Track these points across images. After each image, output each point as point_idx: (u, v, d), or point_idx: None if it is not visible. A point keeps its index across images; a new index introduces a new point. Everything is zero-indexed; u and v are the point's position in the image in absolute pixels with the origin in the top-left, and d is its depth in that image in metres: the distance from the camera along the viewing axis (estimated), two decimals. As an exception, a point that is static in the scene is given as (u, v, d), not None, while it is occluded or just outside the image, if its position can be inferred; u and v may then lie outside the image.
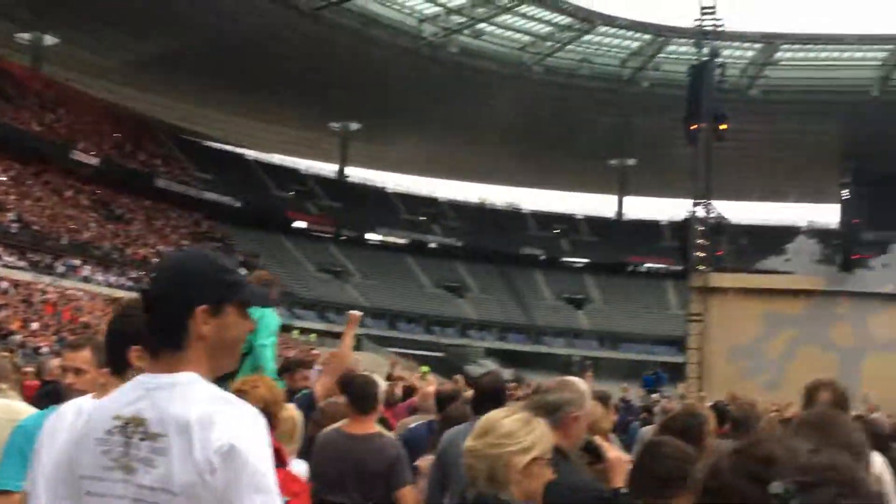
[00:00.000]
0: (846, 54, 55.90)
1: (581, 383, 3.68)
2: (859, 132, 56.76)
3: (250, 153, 66.75)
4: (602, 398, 5.63)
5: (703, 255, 37.76)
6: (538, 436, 2.67)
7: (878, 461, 4.39)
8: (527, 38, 57.22)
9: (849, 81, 56.61)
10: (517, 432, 2.65)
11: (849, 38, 54.17)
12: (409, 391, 10.05)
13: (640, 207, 74.44)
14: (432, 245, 69.11)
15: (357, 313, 6.11)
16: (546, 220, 72.31)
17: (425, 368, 19.00)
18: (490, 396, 4.71)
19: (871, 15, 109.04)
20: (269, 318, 5.96)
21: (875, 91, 55.61)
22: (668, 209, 70.89)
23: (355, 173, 71.60)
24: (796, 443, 1.09)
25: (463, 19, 54.86)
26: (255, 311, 2.17)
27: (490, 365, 57.12)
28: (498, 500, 2.57)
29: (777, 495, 0.99)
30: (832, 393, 4.11)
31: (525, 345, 63.28)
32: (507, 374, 46.89)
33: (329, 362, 6.31)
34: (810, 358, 37.03)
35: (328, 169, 70.91)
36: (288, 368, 6.84)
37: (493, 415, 2.78)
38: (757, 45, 56.03)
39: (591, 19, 55.03)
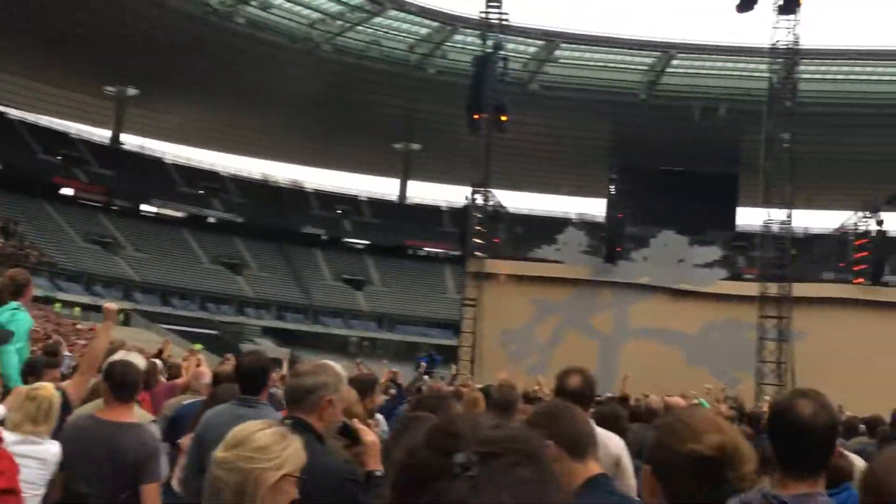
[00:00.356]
0: (618, 57, 59.18)
1: (336, 367, 3.67)
2: (627, 132, 60.41)
3: (14, 112, 62.01)
4: (366, 382, 5.65)
5: (480, 241, 38.85)
6: (291, 452, 2.57)
7: (617, 443, 4.67)
8: (317, 14, 56.54)
9: (620, 83, 60.00)
10: (272, 447, 2.55)
11: (622, 41, 57.37)
12: (174, 371, 9.67)
13: (423, 192, 75.70)
14: (211, 220, 67.19)
15: (112, 306, 5.76)
16: (329, 199, 72.03)
17: (198, 346, 18.40)
18: (251, 376, 4.59)
19: (644, 20, 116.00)
20: (20, 322, 5.59)
21: (642, 94, 59.28)
22: (449, 195, 72.66)
23: (131, 141, 68.31)
24: (483, 420, 1.17)
25: (250, -11, 53.43)
26: (4, 313, 2.00)
27: (266, 344, 56.37)
28: None
29: (460, 465, 1.06)
30: (581, 378, 4.32)
31: (303, 324, 62.91)
32: (283, 353, 46.38)
33: (81, 362, 5.94)
34: (574, 343, 39.13)
35: (101, 135, 67.20)
36: (34, 370, 6.18)
37: (248, 426, 2.65)
38: (539, 42, 58.20)
39: (381, 2, 55.15)
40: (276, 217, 66.43)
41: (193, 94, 60.10)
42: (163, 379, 9.12)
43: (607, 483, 2.85)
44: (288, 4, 55.47)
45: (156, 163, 67.89)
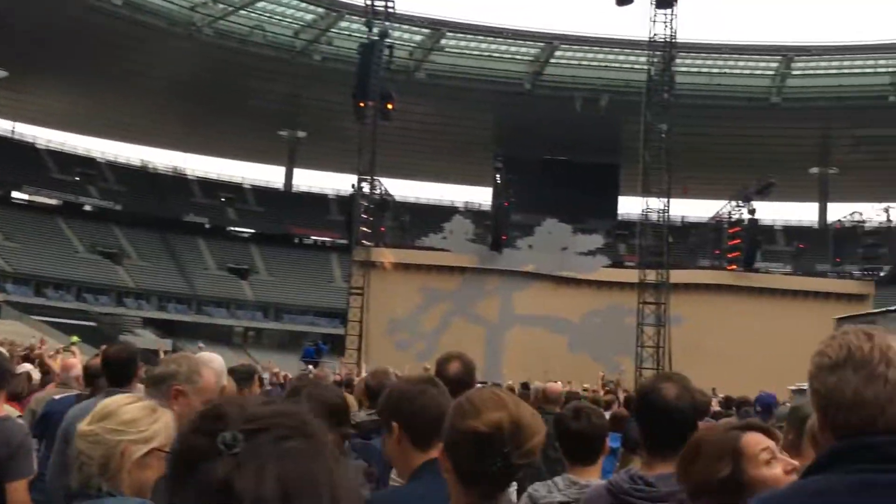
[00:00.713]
0: (504, 47, 59.83)
1: (193, 358, 3.64)
2: (512, 121, 61.19)
3: None
4: (245, 373, 5.54)
5: (366, 229, 38.73)
6: (161, 427, 2.51)
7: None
8: (197, -2, 55.16)
9: (505, 73, 60.71)
10: (140, 420, 2.49)
11: (507, 31, 58.01)
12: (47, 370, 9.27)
13: (309, 180, 74.88)
14: (87, 208, 64.88)
15: None
16: (212, 187, 70.51)
17: (75, 339, 17.71)
18: (118, 367, 4.45)
19: (529, 11, 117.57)
20: None
21: (527, 84, 60.10)
22: (336, 183, 72.14)
23: (0, 125, 65.29)
24: (252, 400, 1.18)
25: (128, -30, 51.67)
26: None
27: (147, 335, 54.92)
28: (102, 494, 2.40)
29: (225, 444, 1.07)
30: (460, 363, 4.35)
31: (186, 315, 61.51)
32: (163, 344, 45.25)
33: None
34: (461, 330, 39.51)
35: (-34, 119, 64.08)
36: None
37: (117, 399, 2.59)
38: (425, 30, 58.29)
39: (265, -14, 54.24)
40: (156, 205, 64.60)
41: (68, 76, 57.80)
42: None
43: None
44: (168, -14, 53.98)
45: (27, 148, 65.11)
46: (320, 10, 56.86)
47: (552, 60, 59.91)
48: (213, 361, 4.10)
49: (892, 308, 24.53)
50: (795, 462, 2.31)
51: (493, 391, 2.29)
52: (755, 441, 2.26)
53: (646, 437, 2.88)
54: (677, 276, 36.87)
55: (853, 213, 45.69)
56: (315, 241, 69.46)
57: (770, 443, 2.27)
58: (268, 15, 57.42)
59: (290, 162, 72.78)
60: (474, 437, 2.11)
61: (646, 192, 33.21)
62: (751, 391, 12.96)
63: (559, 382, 20.01)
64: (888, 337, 1.82)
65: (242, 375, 5.43)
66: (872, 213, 43.97)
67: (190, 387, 3.49)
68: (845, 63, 58.42)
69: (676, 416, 2.79)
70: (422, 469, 2.65)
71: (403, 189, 65.84)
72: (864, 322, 26.03)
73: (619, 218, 65.83)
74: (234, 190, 71.08)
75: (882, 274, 42.57)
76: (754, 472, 2.20)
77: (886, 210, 42.99)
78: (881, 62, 57.87)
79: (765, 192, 42.95)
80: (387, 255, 40.32)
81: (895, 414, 1.73)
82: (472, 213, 53.91)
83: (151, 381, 3.53)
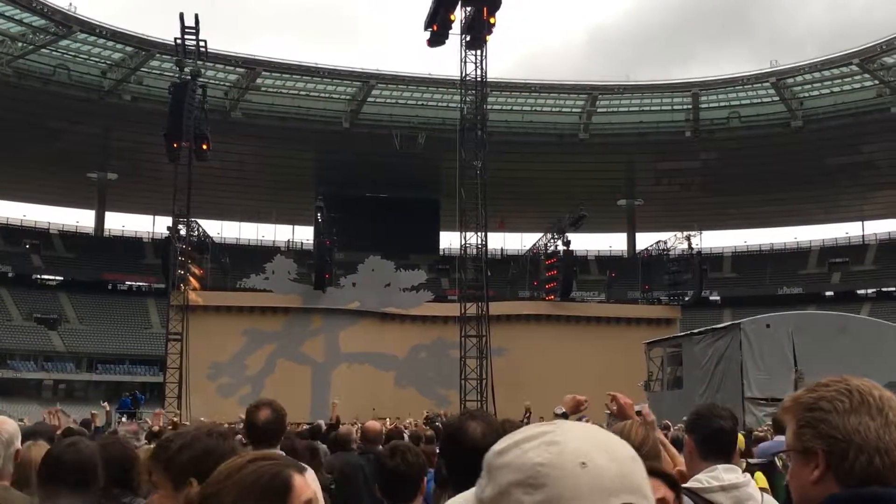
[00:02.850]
0: (321, 86, 59.93)
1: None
2: (331, 159, 61.25)
3: None
4: (42, 434, 5.27)
5: (184, 273, 37.61)
6: None
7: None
8: (-6, 36, 52.26)
9: (322, 112, 60.77)
10: None
11: (323, 70, 58.14)
12: None
13: (122, 223, 71.91)
14: None
15: None
16: (15, 233, 66.55)
17: None
18: None
19: (347, 49, 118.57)
20: None
21: (345, 123, 60.38)
22: (150, 226, 69.65)
23: None
24: None
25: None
26: None
27: (-55, 395, 50.97)
28: None
29: None
30: (271, 410, 4.33)
31: (-12, 370, 57.51)
32: (-36, 404, 42.26)
33: None
34: (287, 371, 38.98)
35: None
36: None
37: None
38: (239, 70, 57.58)
39: (68, 24, 52.03)
40: (-48, 254, 60.38)
41: None
42: None
43: None
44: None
45: None
46: (129, 48, 55.09)
47: (369, 99, 60.52)
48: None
49: (695, 331, 26.05)
50: None
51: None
52: None
53: (451, 475, 2.94)
54: (498, 307, 37.82)
55: (658, 241, 48.31)
56: (130, 286, 66.74)
57: None
58: (72, 54, 55.09)
59: (101, 205, 69.73)
60: None
61: (463, 226, 33.91)
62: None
63: (387, 420, 20.05)
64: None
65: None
66: (675, 241, 46.59)
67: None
68: (645, 101, 62.09)
69: (482, 453, 2.84)
70: None
71: (223, 230, 64.63)
72: (670, 345, 27.48)
73: (442, 252, 66.91)
74: (39, 235, 67.34)
75: (686, 299, 45.12)
76: None
77: (688, 238, 45.66)
78: (677, 100, 61.87)
79: (577, 224, 44.83)
80: (208, 299, 39.29)
81: None
82: (295, 253, 53.50)
83: None
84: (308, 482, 1.66)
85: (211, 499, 1.59)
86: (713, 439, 3.47)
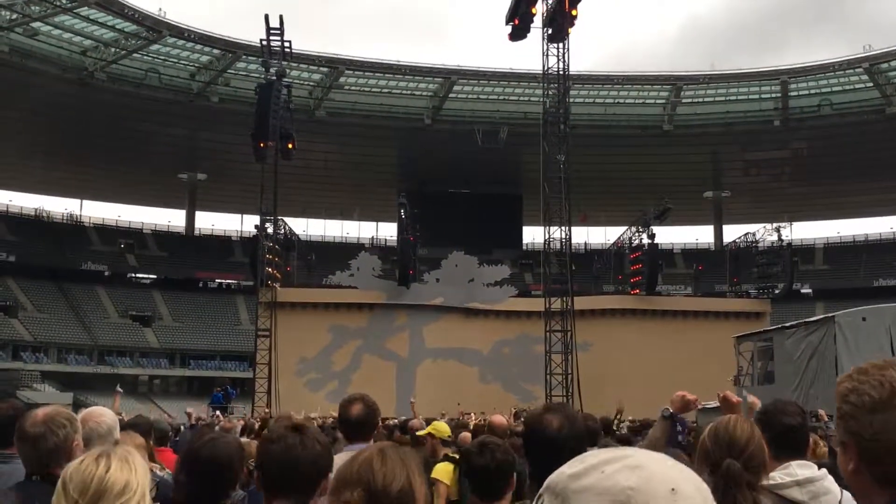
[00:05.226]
0: (402, 83, 60.28)
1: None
2: (414, 156, 61.58)
3: None
4: (138, 426, 5.42)
5: (272, 270, 38.32)
6: None
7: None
8: (89, 42, 53.99)
9: (405, 109, 61.13)
10: None
11: (405, 68, 58.47)
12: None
13: (211, 222, 73.67)
14: (-21, 261, 62.48)
15: None
16: (111, 234, 68.77)
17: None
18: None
19: (428, 46, 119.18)
20: None
21: (427, 119, 60.64)
22: (239, 225, 71.21)
23: None
24: None
25: (15, 16, 50.23)
26: None
27: (48, 389, 52.97)
28: None
29: None
30: (363, 405, 4.37)
31: (87, 366, 59.48)
32: (65, 398, 43.82)
33: None
34: (372, 366, 39.37)
35: None
36: None
37: None
38: (323, 69, 58.32)
39: (159, 29, 53.45)
40: (51, 254, 62.64)
41: (-47, 126, 55.86)
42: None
43: None
44: (58, 32, 52.67)
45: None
46: (216, 51, 56.32)
47: (451, 95, 60.62)
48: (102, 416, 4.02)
49: (787, 325, 25.39)
50: None
51: (378, 456, 1.85)
52: None
53: (533, 469, 2.93)
54: (582, 302, 37.49)
55: (746, 233, 47.27)
56: (220, 283, 68.32)
57: None
58: (162, 58, 56.60)
59: (191, 205, 71.57)
60: None
61: (547, 221, 33.73)
62: (655, 412, 13.19)
63: (472, 415, 20.05)
64: None
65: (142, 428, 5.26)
66: (765, 233, 45.51)
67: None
68: (731, 90, 60.76)
69: (560, 446, 2.84)
70: None
71: (308, 228, 65.60)
72: (761, 339, 26.86)
73: (525, 248, 66.69)
74: (133, 235, 69.47)
75: (777, 291, 44.05)
76: None
77: (777, 230, 44.55)
78: (765, 88, 60.38)
79: (662, 217, 44.13)
80: (297, 296, 39.89)
81: None
82: (378, 249, 53.91)
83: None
84: None
85: None
86: (784, 437, 3.41)
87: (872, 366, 1.66)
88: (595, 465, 1.15)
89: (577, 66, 47.26)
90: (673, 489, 1.10)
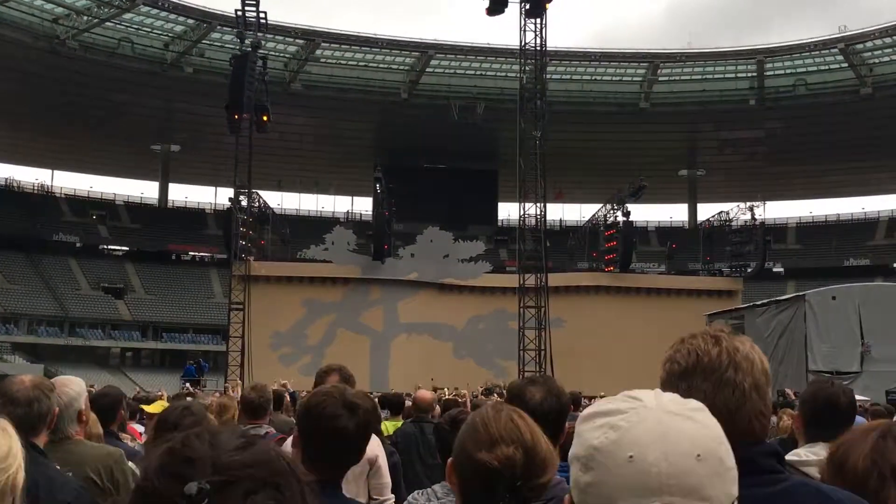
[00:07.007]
0: (379, 57, 59.90)
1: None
2: (390, 130, 61.33)
3: None
4: (108, 397, 5.37)
5: (245, 243, 38.13)
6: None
7: (372, 443, 4.74)
8: (60, 9, 53.09)
9: (381, 83, 60.76)
10: None
11: (382, 41, 58.08)
12: None
13: (185, 194, 73.10)
14: (-53, 230, 61.65)
15: None
16: (82, 205, 68.06)
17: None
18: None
19: (405, 20, 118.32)
20: None
21: (404, 94, 60.34)
22: (212, 197, 70.69)
23: None
24: (226, 439, 1.07)
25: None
26: None
27: (18, 361, 52.56)
28: None
29: (189, 496, 0.98)
30: (339, 376, 4.36)
31: (58, 338, 59.07)
32: (35, 370, 43.47)
33: None
34: (347, 341, 39.39)
35: None
36: None
37: None
38: (299, 41, 57.80)
39: (132, -3, 52.68)
40: (22, 224, 61.94)
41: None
42: None
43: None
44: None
45: None
46: (190, 21, 55.62)
47: (428, 70, 60.32)
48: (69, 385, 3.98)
49: (758, 303, 25.64)
50: None
51: (511, 416, 2.11)
52: None
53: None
54: (556, 279, 37.64)
55: (720, 212, 47.58)
56: (193, 256, 67.88)
57: None
58: (135, 27, 55.81)
59: (165, 176, 70.90)
60: (485, 471, 1.98)
61: (522, 197, 33.75)
62: (628, 386, 13.29)
63: (445, 389, 20.15)
64: (735, 340, 1.77)
65: (103, 406, 5.14)
66: (738, 212, 45.85)
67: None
68: (708, 69, 60.91)
69: (541, 419, 2.86)
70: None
71: (282, 201, 65.26)
72: (732, 317, 27.13)
73: (500, 224, 66.75)
74: (105, 207, 68.79)
75: (749, 270, 44.42)
76: None
77: (751, 209, 44.90)
78: (741, 67, 60.58)
79: (637, 195, 44.32)
80: (268, 270, 39.75)
81: (742, 421, 1.67)
82: (354, 224, 53.78)
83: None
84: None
85: None
86: (820, 421, 3.46)
87: (690, 335, 1.80)
88: (597, 412, 1.17)
89: (561, 44, 47.19)
90: (631, 456, 1.08)
